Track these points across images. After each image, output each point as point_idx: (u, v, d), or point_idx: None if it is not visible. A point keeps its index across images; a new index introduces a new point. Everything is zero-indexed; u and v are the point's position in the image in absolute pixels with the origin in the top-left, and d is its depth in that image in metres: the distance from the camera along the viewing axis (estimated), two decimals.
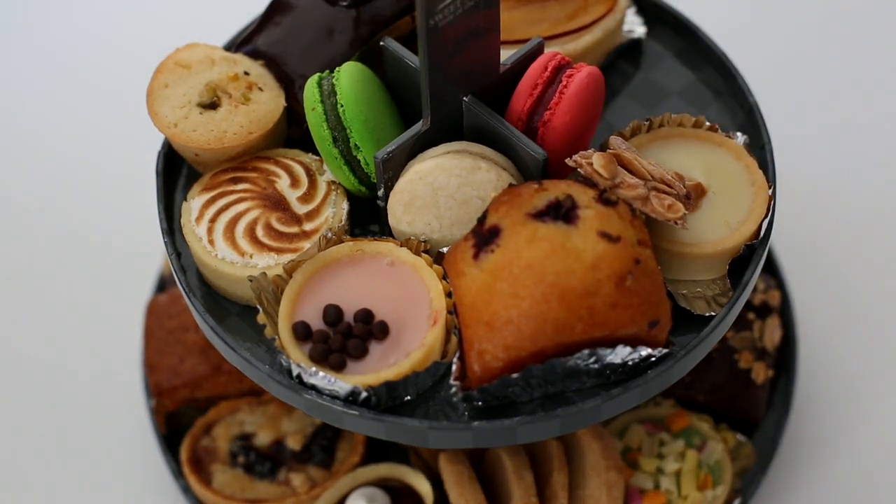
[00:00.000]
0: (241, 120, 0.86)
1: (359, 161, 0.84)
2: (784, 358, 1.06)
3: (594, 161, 0.79)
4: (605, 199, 0.78)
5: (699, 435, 0.99)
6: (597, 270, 0.75)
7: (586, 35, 0.92)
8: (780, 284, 1.09)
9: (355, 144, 0.84)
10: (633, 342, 0.77)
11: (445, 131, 0.84)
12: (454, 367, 0.78)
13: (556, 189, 0.78)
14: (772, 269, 1.10)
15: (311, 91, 0.84)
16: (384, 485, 0.97)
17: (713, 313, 0.82)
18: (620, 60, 0.97)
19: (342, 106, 0.83)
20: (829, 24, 1.30)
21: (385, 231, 0.87)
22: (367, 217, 0.89)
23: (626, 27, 0.97)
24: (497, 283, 0.76)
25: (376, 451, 1.01)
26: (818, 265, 1.15)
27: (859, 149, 1.22)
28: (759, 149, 0.89)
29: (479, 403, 0.79)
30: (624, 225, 0.77)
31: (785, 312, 1.08)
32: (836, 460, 1.05)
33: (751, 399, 1.01)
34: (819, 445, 1.06)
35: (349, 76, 0.84)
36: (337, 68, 0.85)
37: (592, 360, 0.77)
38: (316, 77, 0.85)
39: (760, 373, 1.01)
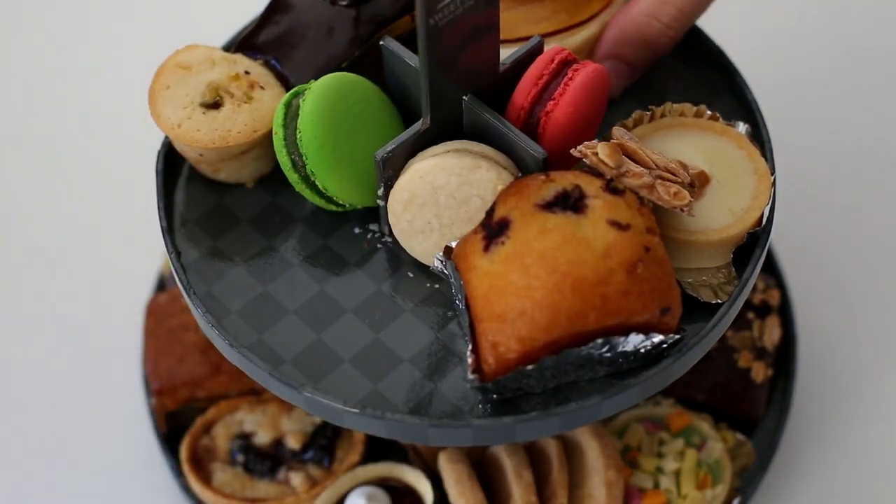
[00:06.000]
0: (244, 118, 0.86)
1: (317, 185, 0.85)
2: (783, 357, 1.06)
3: (599, 151, 0.79)
4: (613, 188, 0.78)
5: (699, 434, 0.99)
6: (608, 259, 0.76)
7: (584, 30, 0.92)
8: (780, 284, 1.09)
9: (311, 171, 0.84)
10: (646, 329, 0.78)
11: (445, 130, 0.84)
12: (469, 360, 0.78)
13: (564, 179, 0.78)
14: (771, 268, 1.10)
15: (278, 112, 0.84)
16: (384, 484, 0.97)
17: (720, 301, 0.82)
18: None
19: (300, 131, 0.83)
20: (830, 23, 1.30)
21: (384, 230, 0.87)
22: (368, 216, 0.89)
23: None
24: (509, 275, 0.76)
25: (376, 450, 1.01)
26: (818, 265, 1.15)
27: (859, 148, 1.22)
28: (759, 147, 0.89)
29: (495, 396, 0.79)
30: (632, 213, 0.77)
31: (785, 312, 1.08)
32: (836, 460, 1.05)
33: (750, 398, 1.01)
34: (819, 445, 1.06)
35: (315, 97, 0.83)
36: (312, 82, 0.85)
37: (606, 348, 0.77)
38: (288, 96, 0.84)
39: (760, 372, 1.01)
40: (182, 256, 0.87)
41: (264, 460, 1.00)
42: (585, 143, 0.80)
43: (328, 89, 0.84)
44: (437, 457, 0.97)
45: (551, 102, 0.82)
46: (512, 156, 0.83)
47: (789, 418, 1.05)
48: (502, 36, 0.89)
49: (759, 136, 0.90)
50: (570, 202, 0.77)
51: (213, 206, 0.90)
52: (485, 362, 0.77)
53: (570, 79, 0.83)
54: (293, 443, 1.00)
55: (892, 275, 1.15)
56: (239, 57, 0.89)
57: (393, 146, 0.82)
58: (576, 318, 0.76)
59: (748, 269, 0.83)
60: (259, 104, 0.87)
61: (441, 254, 0.82)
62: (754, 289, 1.05)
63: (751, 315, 1.04)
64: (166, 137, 0.90)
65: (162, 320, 1.04)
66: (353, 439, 1.00)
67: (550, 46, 0.89)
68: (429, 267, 0.86)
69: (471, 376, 0.78)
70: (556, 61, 0.83)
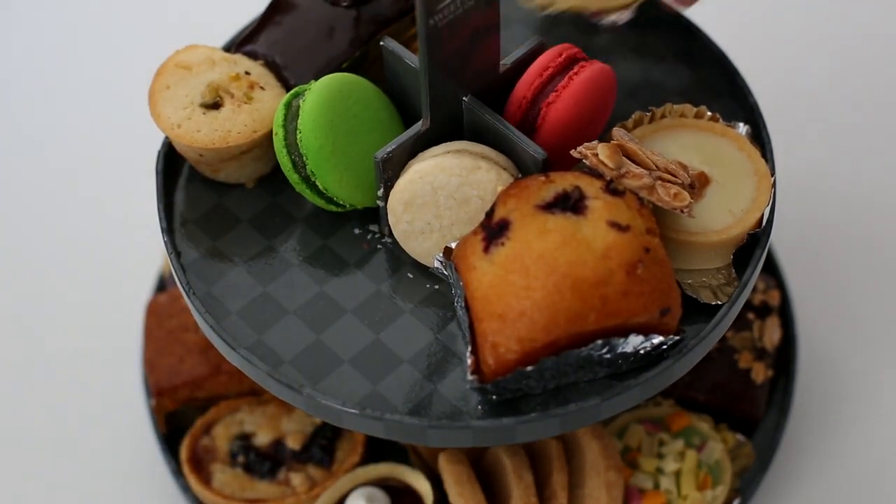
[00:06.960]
0: (244, 119, 0.86)
1: (318, 186, 0.85)
2: (784, 358, 1.06)
3: (599, 152, 0.79)
4: (613, 189, 0.78)
5: (699, 435, 0.99)
6: (608, 260, 0.76)
7: None
8: (780, 284, 1.09)
9: (311, 171, 0.84)
10: (646, 330, 0.78)
11: (445, 131, 0.84)
12: (469, 361, 0.78)
13: (564, 180, 0.79)
14: (772, 268, 1.10)
15: (278, 112, 0.84)
16: (384, 484, 0.97)
17: (719, 302, 0.82)
18: (621, 60, 0.97)
19: (300, 132, 0.83)
20: (830, 24, 1.30)
21: (384, 231, 0.87)
22: (368, 217, 0.89)
23: None
24: (509, 276, 0.76)
25: (376, 450, 1.01)
26: (818, 265, 1.15)
27: (859, 149, 1.22)
28: (760, 148, 0.89)
29: (494, 397, 0.79)
30: (632, 214, 0.78)
31: (785, 312, 1.08)
32: (836, 460, 1.05)
33: (750, 399, 1.01)
34: (819, 445, 1.06)
35: (315, 98, 0.83)
36: (312, 83, 0.85)
37: (605, 349, 0.77)
38: (289, 96, 0.85)
39: (760, 373, 1.01)
40: (182, 257, 0.87)
41: (264, 461, 1.00)
42: (585, 143, 0.80)
43: (328, 90, 0.84)
44: (437, 457, 0.97)
45: (553, 94, 0.82)
46: (512, 156, 0.83)
47: (789, 418, 1.05)
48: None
49: (759, 138, 0.90)
50: (570, 203, 0.77)
51: (212, 206, 0.90)
52: (484, 363, 0.78)
53: (576, 73, 0.83)
54: (293, 443, 1.00)
55: (892, 275, 1.15)
56: (239, 57, 0.90)
57: (393, 147, 0.82)
58: (575, 319, 0.76)
59: (748, 271, 0.83)
60: (259, 104, 0.87)
61: (441, 254, 0.82)
62: (754, 289, 1.05)
63: (751, 315, 1.04)
64: (166, 138, 0.90)
65: (162, 320, 1.04)
66: (353, 440, 1.00)
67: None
68: (428, 268, 0.86)
69: (470, 377, 0.78)
70: (563, 56, 0.83)
